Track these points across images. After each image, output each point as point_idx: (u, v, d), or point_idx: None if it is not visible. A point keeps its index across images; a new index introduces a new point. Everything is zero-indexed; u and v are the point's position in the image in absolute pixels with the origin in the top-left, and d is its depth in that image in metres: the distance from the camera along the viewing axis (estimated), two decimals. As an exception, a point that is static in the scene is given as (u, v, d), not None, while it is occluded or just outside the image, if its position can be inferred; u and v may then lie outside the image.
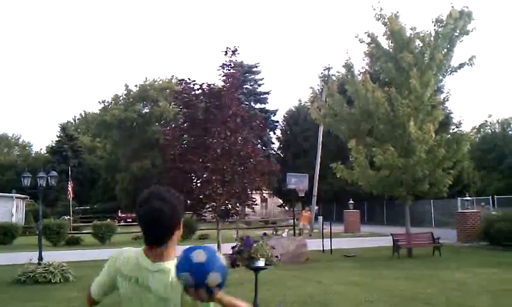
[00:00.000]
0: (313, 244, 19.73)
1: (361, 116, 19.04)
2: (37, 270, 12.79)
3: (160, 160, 46.90)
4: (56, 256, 15.72)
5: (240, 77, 16.96)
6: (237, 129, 12.64)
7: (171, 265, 2.19)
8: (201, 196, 12.47)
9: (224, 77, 13.06)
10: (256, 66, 57.85)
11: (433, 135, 17.63)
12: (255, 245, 8.64)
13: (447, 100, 20.57)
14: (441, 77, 19.52)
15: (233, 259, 8.82)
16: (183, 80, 13.24)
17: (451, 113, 35.83)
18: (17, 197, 46.66)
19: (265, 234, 9.59)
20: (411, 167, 17.58)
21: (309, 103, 43.95)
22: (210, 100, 12.60)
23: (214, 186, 11.86)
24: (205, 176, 12.11)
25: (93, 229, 27.40)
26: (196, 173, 12.11)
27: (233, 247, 8.94)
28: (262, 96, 58.00)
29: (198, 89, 12.79)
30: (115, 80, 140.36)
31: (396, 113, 18.06)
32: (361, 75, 20.80)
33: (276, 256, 9.09)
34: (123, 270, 2.32)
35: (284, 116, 57.67)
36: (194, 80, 12.93)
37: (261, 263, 8.62)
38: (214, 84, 12.90)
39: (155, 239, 2.22)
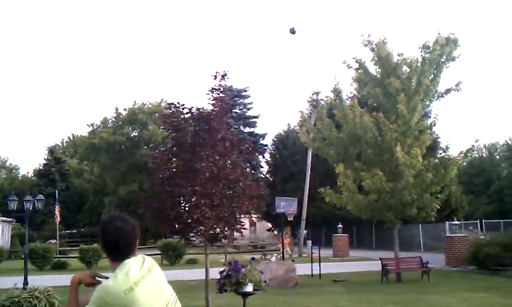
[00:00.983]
0: (302, 269, 19.66)
1: (350, 141, 19.17)
2: (22, 295, 12.52)
3: (148, 184, 46.73)
4: (41, 281, 15.47)
5: (230, 101, 17.03)
6: (226, 153, 12.58)
7: None
8: (189, 220, 12.35)
9: (214, 101, 13.04)
10: (246, 90, 58.21)
11: (420, 160, 17.78)
12: (243, 270, 8.61)
13: (434, 124, 20.84)
14: (428, 102, 19.76)
15: (222, 284, 8.77)
16: (172, 104, 13.19)
17: (438, 138, 36.20)
18: (3, 221, 46.14)
19: (253, 259, 9.55)
20: (399, 191, 17.67)
21: (298, 127, 44.26)
22: (199, 124, 12.55)
23: (202, 210, 11.75)
24: (193, 200, 12.00)
25: (80, 254, 27.10)
26: (185, 197, 12.00)
27: (221, 272, 8.90)
28: (251, 120, 58.25)
29: (187, 113, 12.75)
30: (104, 103, 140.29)
31: (384, 138, 18.21)
32: (349, 100, 21.00)
33: (265, 281, 9.05)
34: None
35: (273, 140, 57.90)
36: (183, 104, 12.88)
37: (249, 288, 8.59)
38: (203, 108, 12.88)
39: (121, 253, 2.49)
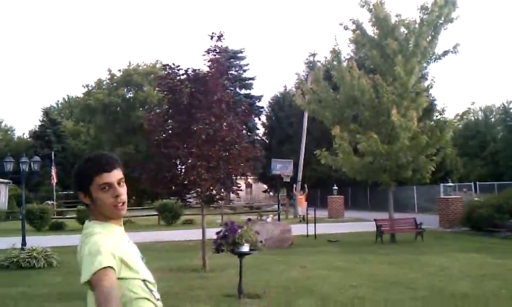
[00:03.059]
0: (298, 229, 19.87)
1: (346, 103, 19.13)
2: (20, 255, 12.75)
3: (144, 146, 46.73)
4: (39, 241, 15.66)
5: (226, 62, 16.85)
6: (222, 115, 12.55)
7: None
8: (185, 182, 12.41)
9: (210, 63, 12.93)
10: (242, 52, 57.57)
11: (416, 123, 17.80)
12: (239, 230, 8.69)
13: (431, 87, 20.69)
14: (425, 65, 19.68)
15: (218, 244, 8.86)
16: (167, 65, 13.09)
17: (435, 100, 36.09)
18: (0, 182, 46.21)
19: (249, 219, 9.62)
20: (394, 153, 17.74)
21: (294, 89, 44.08)
22: (195, 86, 12.47)
23: (198, 172, 11.78)
24: (189, 161, 12.02)
25: (77, 214, 27.23)
26: (181, 159, 12.02)
27: (217, 233, 8.97)
28: (247, 81, 57.81)
29: (182, 75, 12.66)
30: (98, 65, 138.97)
31: (381, 100, 18.16)
32: (346, 61, 20.84)
33: (261, 241, 9.15)
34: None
35: (269, 102, 57.72)
36: (178, 65, 12.78)
37: (246, 248, 8.68)
38: (199, 69, 12.78)
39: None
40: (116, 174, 2.26)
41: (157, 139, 12.69)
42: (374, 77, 18.47)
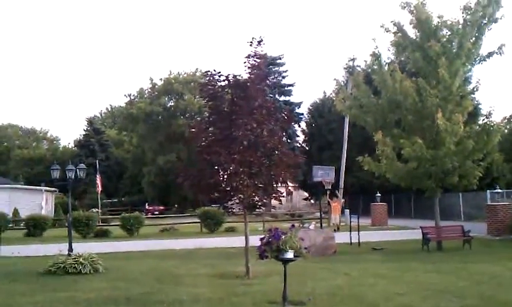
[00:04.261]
0: (341, 237, 19.63)
1: (389, 107, 18.80)
2: (67, 261, 12.99)
3: (186, 154, 47.20)
4: (85, 248, 15.97)
5: (265, 68, 16.80)
6: (263, 121, 12.49)
7: None
8: (228, 188, 12.42)
9: (250, 68, 12.92)
10: (280, 58, 57.50)
11: (462, 127, 17.32)
12: (283, 237, 8.60)
13: (477, 89, 20.10)
14: (469, 67, 19.14)
15: (262, 250, 8.79)
16: (208, 71, 13.14)
17: (480, 104, 35.13)
18: (46, 191, 47.53)
19: (293, 226, 9.51)
20: (440, 159, 17.29)
21: (334, 95, 43.65)
22: (236, 92, 12.49)
23: (241, 178, 11.78)
24: (231, 168, 12.02)
25: (122, 222, 27.71)
26: (223, 165, 12.02)
27: (261, 239, 8.91)
28: (286, 88, 57.68)
29: (223, 81, 12.69)
30: (140, 74, 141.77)
31: (424, 103, 17.77)
32: (387, 65, 20.49)
33: (305, 248, 9.02)
34: None
35: (309, 109, 57.30)
36: (219, 72, 12.82)
37: (290, 254, 8.58)
38: (239, 75, 12.79)
39: None
40: None
41: (200, 145, 12.73)
42: (417, 80, 18.10)
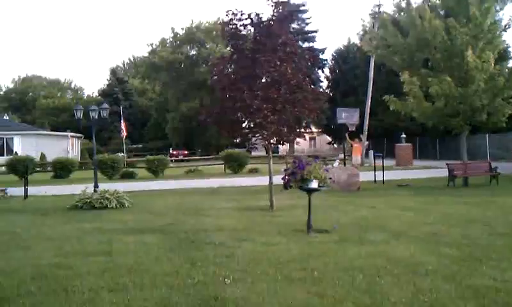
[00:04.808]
0: (365, 176, 19.51)
1: (417, 46, 18.34)
2: (93, 197, 13.20)
3: (209, 101, 47.02)
4: (110, 187, 16.15)
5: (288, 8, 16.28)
6: (287, 58, 12.25)
7: None
8: (251, 125, 12.33)
9: (273, 6, 12.56)
10: (304, 5, 56.40)
11: (492, 64, 16.83)
12: (307, 167, 8.53)
13: (509, 26, 19.36)
14: (499, 8, 18.46)
15: (287, 180, 8.76)
16: (230, 10, 12.80)
17: (509, 47, 34.12)
18: (72, 136, 48.23)
19: (317, 157, 9.44)
20: (469, 96, 16.89)
21: (359, 39, 42.75)
22: (259, 30, 12.22)
23: (264, 114, 11.66)
24: (255, 104, 11.86)
25: (147, 164, 27.96)
26: (246, 102, 11.86)
27: (285, 170, 8.87)
28: (309, 34, 56.66)
29: (245, 19, 12.40)
30: (162, 24, 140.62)
31: (454, 42, 17.26)
32: (415, 5, 19.85)
33: (330, 178, 8.95)
34: None
35: (332, 55, 56.39)
36: (241, 11, 12.52)
37: (314, 184, 8.52)
38: (262, 13, 12.47)
39: None
40: None
41: (222, 82, 12.57)
42: (446, 20, 17.55)
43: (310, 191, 8.66)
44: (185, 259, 6.75)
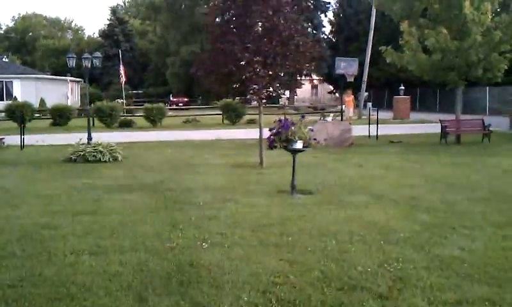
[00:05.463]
0: (360, 130, 19.60)
1: (415, -5, 17.95)
2: (87, 149, 13.35)
3: (210, 44, 46.35)
4: (106, 137, 16.33)
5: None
6: (280, 7, 12.04)
7: None
8: (242, 78, 12.27)
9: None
10: None
11: (489, 17, 16.53)
12: (292, 127, 8.59)
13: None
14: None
15: (271, 140, 8.84)
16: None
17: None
18: (71, 81, 47.99)
19: (303, 116, 9.44)
20: (465, 50, 16.69)
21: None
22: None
23: (254, 68, 11.61)
24: (245, 57, 11.78)
25: (145, 113, 28.08)
26: (237, 55, 11.78)
27: (270, 129, 8.93)
28: (313, -25, 55.25)
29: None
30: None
31: (451, -9, 16.90)
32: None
33: (315, 139, 9.03)
34: None
35: (336, -3, 55.17)
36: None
37: (298, 145, 8.61)
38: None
39: None
40: None
41: (213, 34, 12.43)
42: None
43: (294, 152, 8.76)
44: (168, 221, 6.93)
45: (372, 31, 34.86)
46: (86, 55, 16.37)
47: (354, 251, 5.62)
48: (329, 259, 5.34)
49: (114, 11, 73.35)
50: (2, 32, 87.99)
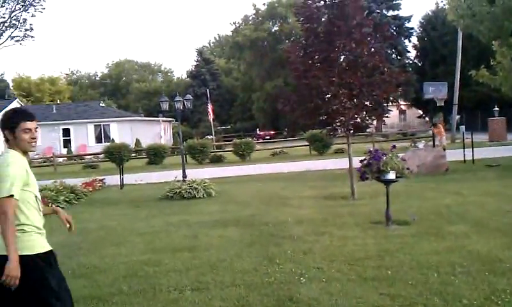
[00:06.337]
0: (454, 154, 18.89)
1: (503, 14, 17.28)
2: (182, 187, 13.93)
3: (293, 79, 47.00)
4: (199, 173, 16.95)
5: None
6: (363, 40, 12.06)
7: None
8: (329, 111, 12.34)
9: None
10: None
11: None
12: (384, 157, 8.50)
13: None
14: None
15: (362, 172, 8.78)
16: (304, -9, 12.75)
17: None
18: (164, 121, 50.25)
19: (394, 146, 9.30)
20: None
21: (446, 4, 40.68)
22: (333, 12, 12.13)
23: (341, 100, 11.66)
24: (331, 90, 11.88)
25: (234, 148, 28.85)
26: (322, 89, 11.89)
27: (361, 161, 8.88)
28: (394, 2, 54.64)
29: (319, 1, 12.35)
30: (245, 1, 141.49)
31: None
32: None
33: (408, 168, 8.85)
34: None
35: (420, 22, 54.17)
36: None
37: (391, 175, 8.48)
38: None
39: None
40: (34, 124, 3.41)
41: (297, 70, 12.64)
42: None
43: (387, 182, 8.64)
44: (264, 255, 7.04)
45: (460, 53, 33.76)
46: (178, 98, 17.21)
47: (457, 283, 5.43)
48: (432, 292, 5.20)
49: (200, 52, 76.37)
50: (98, 79, 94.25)
